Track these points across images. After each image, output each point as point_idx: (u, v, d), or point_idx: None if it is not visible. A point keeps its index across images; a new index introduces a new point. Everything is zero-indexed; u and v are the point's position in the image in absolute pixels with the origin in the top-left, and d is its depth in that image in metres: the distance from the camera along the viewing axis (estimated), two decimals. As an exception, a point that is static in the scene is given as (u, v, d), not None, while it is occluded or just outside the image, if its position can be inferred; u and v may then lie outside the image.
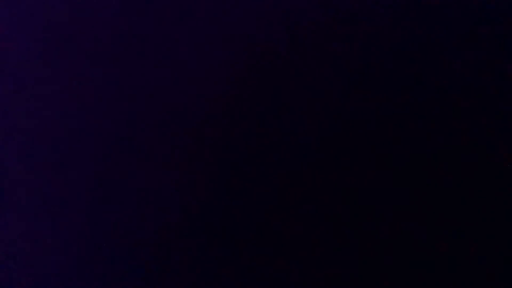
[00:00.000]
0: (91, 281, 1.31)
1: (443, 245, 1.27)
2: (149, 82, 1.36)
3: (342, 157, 1.31)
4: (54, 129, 1.36)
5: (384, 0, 1.34)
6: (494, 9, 1.33)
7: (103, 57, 1.37)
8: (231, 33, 1.36)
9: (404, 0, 1.34)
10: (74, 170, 1.34)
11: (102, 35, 1.37)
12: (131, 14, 1.38)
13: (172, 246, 1.31)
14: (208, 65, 1.35)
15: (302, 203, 1.30)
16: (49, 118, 1.36)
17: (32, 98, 1.37)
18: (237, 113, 1.34)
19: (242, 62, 1.35)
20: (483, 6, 1.33)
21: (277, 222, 1.30)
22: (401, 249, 1.27)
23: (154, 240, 1.31)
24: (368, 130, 1.31)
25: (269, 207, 1.31)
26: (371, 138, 1.31)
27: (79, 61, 1.37)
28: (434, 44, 1.33)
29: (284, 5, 1.36)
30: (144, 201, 1.33)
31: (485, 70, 1.31)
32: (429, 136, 1.30)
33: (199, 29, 1.37)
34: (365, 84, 1.33)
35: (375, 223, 1.29)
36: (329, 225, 1.29)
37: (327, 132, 1.32)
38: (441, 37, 1.33)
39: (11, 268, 1.32)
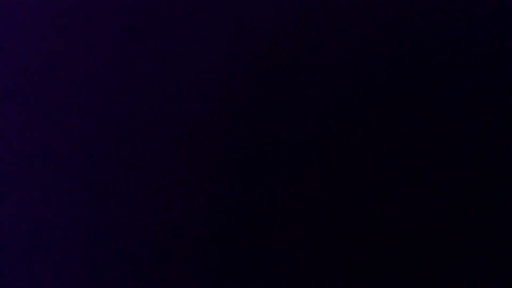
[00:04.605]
0: (90, 281, 1.31)
1: (443, 246, 1.27)
2: (149, 82, 1.36)
3: (343, 157, 1.31)
4: (55, 129, 1.36)
5: (384, 0, 1.35)
6: (494, 9, 1.33)
7: (103, 57, 1.37)
8: (232, 33, 1.36)
9: (404, 1, 1.35)
10: (74, 170, 1.34)
11: (102, 34, 1.38)
12: (131, 14, 1.38)
13: (172, 246, 1.31)
14: (208, 65, 1.36)
15: (303, 203, 1.31)
16: (50, 118, 1.36)
17: (32, 98, 1.37)
18: (237, 113, 1.34)
19: (242, 62, 1.35)
20: (483, 6, 1.33)
21: (277, 222, 1.30)
22: (401, 249, 1.28)
23: (154, 240, 1.32)
24: (369, 130, 1.31)
25: (269, 207, 1.31)
26: (371, 138, 1.31)
27: (79, 61, 1.37)
28: (434, 44, 1.33)
29: (284, 5, 1.36)
30: (144, 201, 1.33)
31: (485, 70, 1.32)
32: (429, 137, 1.31)
33: (200, 29, 1.37)
34: (366, 84, 1.33)
35: (376, 223, 1.29)
36: (330, 226, 1.30)
37: (328, 132, 1.32)
38: (441, 37, 1.33)
39: (11, 268, 1.32)
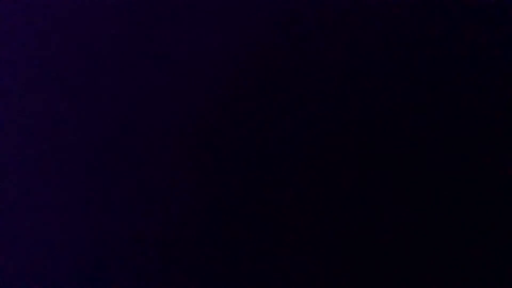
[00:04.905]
0: (90, 281, 1.31)
1: (443, 246, 1.27)
2: (149, 82, 1.36)
3: (342, 158, 1.31)
4: (55, 129, 1.36)
5: (383, 0, 1.35)
6: (494, 9, 1.33)
7: (102, 57, 1.37)
8: (231, 33, 1.36)
9: (404, 1, 1.35)
10: (74, 170, 1.34)
11: (101, 34, 1.38)
12: (131, 14, 1.38)
13: (172, 246, 1.31)
14: (208, 65, 1.36)
15: (302, 204, 1.30)
16: (50, 118, 1.36)
17: (32, 97, 1.37)
18: (237, 113, 1.34)
19: (241, 62, 1.35)
20: (483, 6, 1.33)
21: (276, 222, 1.30)
22: (401, 250, 1.28)
23: (154, 240, 1.32)
24: (368, 131, 1.31)
25: (269, 207, 1.31)
26: (371, 139, 1.31)
27: (78, 60, 1.37)
28: (433, 44, 1.33)
29: (284, 5, 1.36)
30: (144, 201, 1.33)
31: (485, 70, 1.31)
32: (428, 137, 1.30)
33: (200, 29, 1.37)
34: (365, 85, 1.33)
35: (375, 224, 1.29)
36: (329, 226, 1.29)
37: (328, 132, 1.32)
38: (441, 37, 1.33)
39: (11, 268, 1.32)
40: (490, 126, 1.30)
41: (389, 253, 1.27)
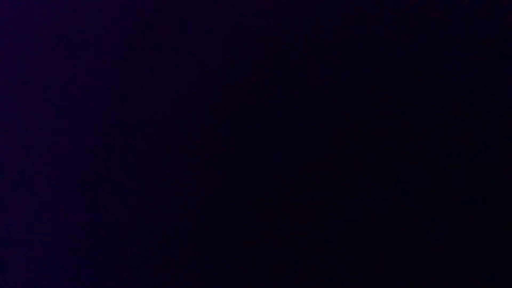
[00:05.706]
0: (89, 281, 1.31)
1: (444, 246, 1.27)
2: (149, 82, 1.36)
3: (343, 158, 1.31)
4: (54, 129, 1.36)
5: (385, 1, 1.35)
6: (494, 10, 1.33)
7: (102, 57, 1.37)
8: (232, 33, 1.36)
9: (405, 1, 1.35)
10: (73, 170, 1.34)
11: (101, 34, 1.38)
12: (130, 13, 1.38)
13: (172, 247, 1.31)
14: (208, 65, 1.36)
15: (302, 204, 1.30)
16: (49, 118, 1.36)
17: (31, 97, 1.37)
18: (237, 113, 1.34)
19: (241, 62, 1.35)
20: (484, 7, 1.33)
21: (277, 222, 1.30)
22: (401, 250, 1.27)
23: (153, 240, 1.31)
24: (369, 131, 1.31)
25: (269, 207, 1.31)
26: (372, 139, 1.31)
27: (78, 61, 1.37)
28: (434, 45, 1.33)
29: (284, 5, 1.36)
30: (143, 201, 1.33)
31: (485, 71, 1.31)
32: (429, 138, 1.30)
33: (199, 28, 1.37)
34: (366, 85, 1.33)
35: (375, 224, 1.29)
36: (329, 226, 1.29)
37: (328, 133, 1.32)
38: (442, 38, 1.33)
39: (11, 268, 1.32)
40: (490, 126, 1.30)
41: (390, 253, 1.27)
